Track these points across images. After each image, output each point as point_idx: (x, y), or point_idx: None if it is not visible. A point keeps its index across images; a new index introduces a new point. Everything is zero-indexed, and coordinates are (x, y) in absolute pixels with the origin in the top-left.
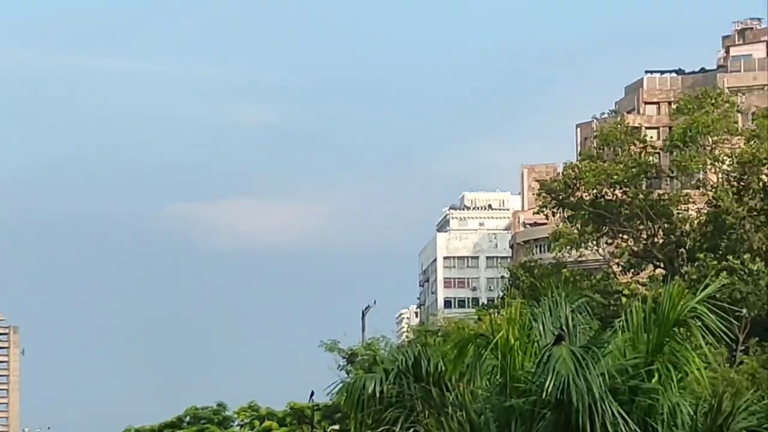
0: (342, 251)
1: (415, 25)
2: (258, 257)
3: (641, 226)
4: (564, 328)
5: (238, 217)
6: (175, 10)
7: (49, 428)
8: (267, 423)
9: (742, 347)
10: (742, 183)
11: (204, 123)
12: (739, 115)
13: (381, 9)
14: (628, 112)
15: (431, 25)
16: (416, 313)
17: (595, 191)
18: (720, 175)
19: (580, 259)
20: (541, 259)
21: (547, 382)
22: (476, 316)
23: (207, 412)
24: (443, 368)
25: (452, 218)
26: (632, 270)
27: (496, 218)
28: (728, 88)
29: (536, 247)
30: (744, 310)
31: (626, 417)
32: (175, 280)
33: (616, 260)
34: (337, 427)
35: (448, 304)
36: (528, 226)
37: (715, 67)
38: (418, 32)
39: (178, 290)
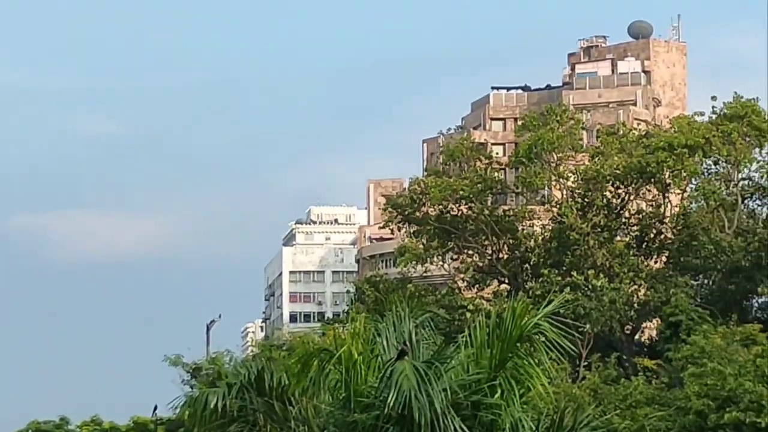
0: (188, 264)
1: (266, 37)
2: (100, 270)
3: (486, 242)
4: (407, 343)
5: (80, 229)
6: (7, 16)
7: None
8: None
9: (585, 363)
10: (586, 199)
11: (47, 132)
12: (583, 132)
13: (231, 18)
14: (475, 128)
15: (281, 37)
16: (262, 327)
17: (440, 206)
18: (564, 192)
19: (425, 274)
20: (386, 273)
21: (390, 397)
22: (321, 331)
23: (50, 425)
24: (287, 382)
25: (298, 232)
26: (477, 285)
27: (343, 233)
28: (573, 105)
29: (382, 261)
30: (587, 326)
31: None
32: (18, 292)
33: (462, 275)
34: None
35: (293, 318)
36: (374, 240)
37: (560, 84)
38: (268, 44)
39: (21, 303)
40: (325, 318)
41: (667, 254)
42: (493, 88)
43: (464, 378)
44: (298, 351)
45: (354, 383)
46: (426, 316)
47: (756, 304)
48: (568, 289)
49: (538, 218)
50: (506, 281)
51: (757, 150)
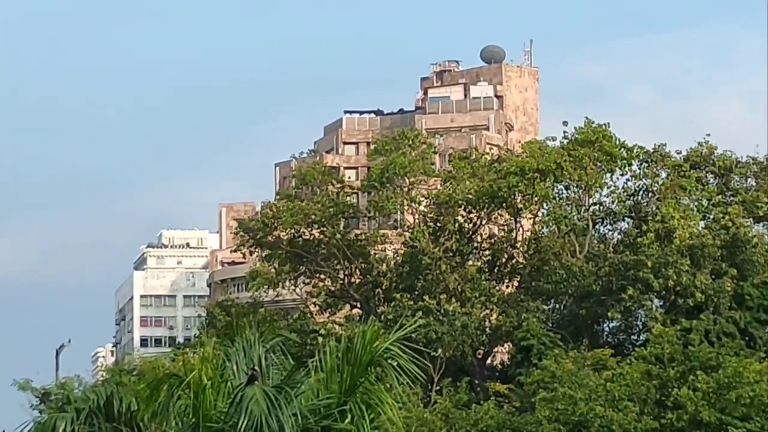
0: (38, 288)
1: (122, 58)
2: None
3: (338, 266)
4: (257, 367)
5: None
6: None
7: None
8: None
9: (437, 387)
10: (438, 224)
11: None
12: (436, 156)
13: (85, 37)
14: (327, 152)
15: (137, 59)
16: (112, 351)
17: (292, 231)
18: (417, 216)
19: (277, 298)
20: (238, 298)
21: (240, 422)
22: (172, 356)
23: None
24: (136, 408)
25: (149, 256)
26: (329, 309)
27: (194, 257)
28: (426, 129)
29: (234, 286)
30: (439, 351)
31: None
32: None
33: (314, 300)
34: None
35: (144, 342)
36: (226, 264)
37: (413, 108)
38: (123, 66)
39: None
40: (176, 342)
41: (518, 279)
42: (346, 111)
43: (314, 403)
44: (147, 376)
45: (203, 408)
46: (277, 341)
47: (607, 329)
48: (420, 313)
49: (390, 243)
50: (358, 305)
51: (608, 175)
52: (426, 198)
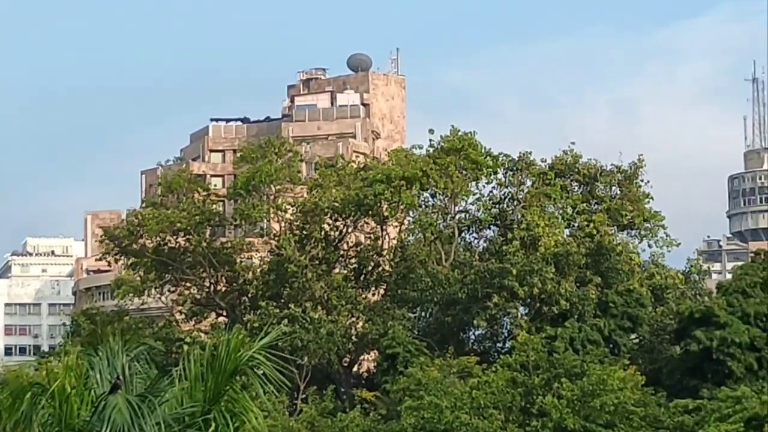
0: None
1: None
2: None
3: (204, 274)
4: (121, 376)
5: None
6: None
7: None
8: None
9: (303, 395)
10: (304, 232)
11: None
12: (302, 164)
13: None
14: (194, 160)
15: (4, 66)
16: None
17: (158, 238)
18: (283, 224)
19: (143, 306)
20: (103, 306)
21: (103, 431)
22: (35, 364)
23: None
24: None
25: (14, 264)
26: (195, 318)
27: (60, 265)
28: (292, 137)
29: (99, 294)
30: (305, 359)
31: None
32: None
33: (179, 308)
34: None
35: (9, 351)
36: (91, 272)
37: (280, 116)
38: None
39: None
40: (41, 351)
41: (384, 286)
42: (212, 119)
43: (178, 411)
44: (10, 385)
45: (67, 417)
46: (141, 349)
47: (472, 337)
48: (285, 321)
49: (257, 250)
50: (224, 313)
51: (473, 183)
52: (292, 206)
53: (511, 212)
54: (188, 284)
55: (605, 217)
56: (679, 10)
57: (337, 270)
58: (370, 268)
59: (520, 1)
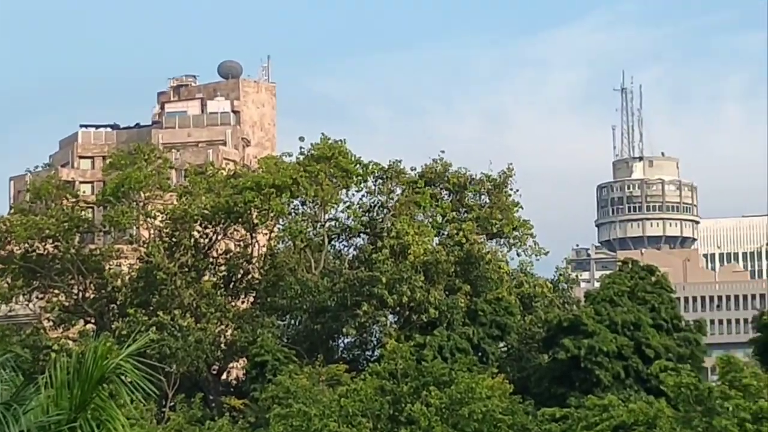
0: None
1: None
2: None
3: (72, 281)
4: None
5: None
6: None
7: None
8: None
9: (171, 403)
10: (173, 239)
11: None
12: (172, 171)
13: None
14: (63, 166)
15: None
16: None
17: (26, 245)
18: (152, 231)
19: (10, 313)
20: None
21: None
22: None
23: None
24: None
25: None
26: (63, 325)
27: None
28: (162, 144)
29: None
30: (173, 366)
31: None
32: None
33: (47, 315)
34: None
35: None
36: None
37: (150, 123)
38: None
39: None
40: None
41: (254, 294)
42: (81, 125)
43: (44, 420)
44: None
45: None
46: (7, 357)
47: (342, 345)
48: (154, 328)
49: (126, 258)
50: (93, 321)
51: (343, 191)
52: (162, 213)
53: (380, 220)
54: (56, 291)
55: (474, 226)
56: (547, 20)
57: (206, 277)
58: (239, 275)
59: (388, 10)
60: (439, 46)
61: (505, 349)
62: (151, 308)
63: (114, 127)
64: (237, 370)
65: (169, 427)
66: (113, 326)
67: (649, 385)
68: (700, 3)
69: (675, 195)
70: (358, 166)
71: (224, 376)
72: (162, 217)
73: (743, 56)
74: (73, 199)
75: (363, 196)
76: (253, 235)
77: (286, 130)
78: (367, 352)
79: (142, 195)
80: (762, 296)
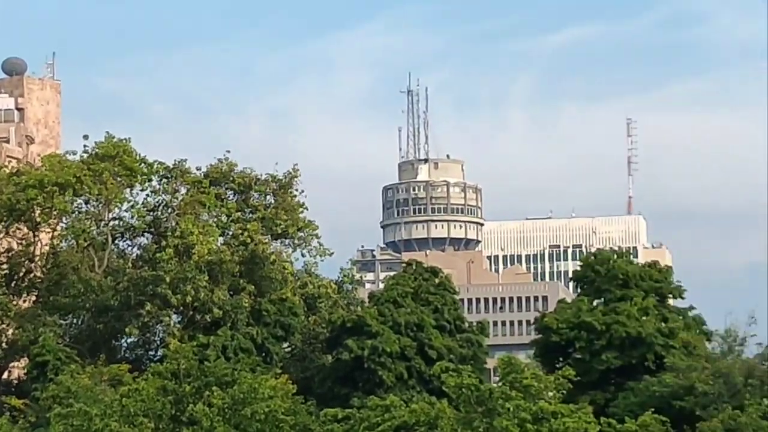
0: None
1: None
2: None
3: None
4: None
5: None
6: None
7: None
8: None
9: None
10: None
11: None
12: None
13: None
14: None
15: None
16: None
17: None
18: None
19: None
20: None
21: None
22: None
23: None
24: None
25: None
26: None
27: None
28: None
29: None
30: None
31: None
32: None
33: None
34: None
35: None
36: None
37: None
38: None
39: None
40: None
41: (36, 293)
42: None
43: None
44: None
45: None
46: None
47: (125, 344)
48: None
49: None
50: None
51: (128, 190)
52: None
53: (165, 220)
54: None
55: (259, 226)
56: (334, 21)
57: None
58: (21, 274)
59: (175, 9)
60: (227, 45)
61: (289, 349)
62: None
63: None
64: (18, 369)
65: None
66: None
67: (432, 385)
68: (487, 7)
69: (460, 197)
70: (142, 164)
71: (5, 376)
72: None
73: (527, 60)
74: None
75: (147, 195)
76: (36, 233)
77: (71, 129)
78: (150, 352)
79: None
80: (544, 298)
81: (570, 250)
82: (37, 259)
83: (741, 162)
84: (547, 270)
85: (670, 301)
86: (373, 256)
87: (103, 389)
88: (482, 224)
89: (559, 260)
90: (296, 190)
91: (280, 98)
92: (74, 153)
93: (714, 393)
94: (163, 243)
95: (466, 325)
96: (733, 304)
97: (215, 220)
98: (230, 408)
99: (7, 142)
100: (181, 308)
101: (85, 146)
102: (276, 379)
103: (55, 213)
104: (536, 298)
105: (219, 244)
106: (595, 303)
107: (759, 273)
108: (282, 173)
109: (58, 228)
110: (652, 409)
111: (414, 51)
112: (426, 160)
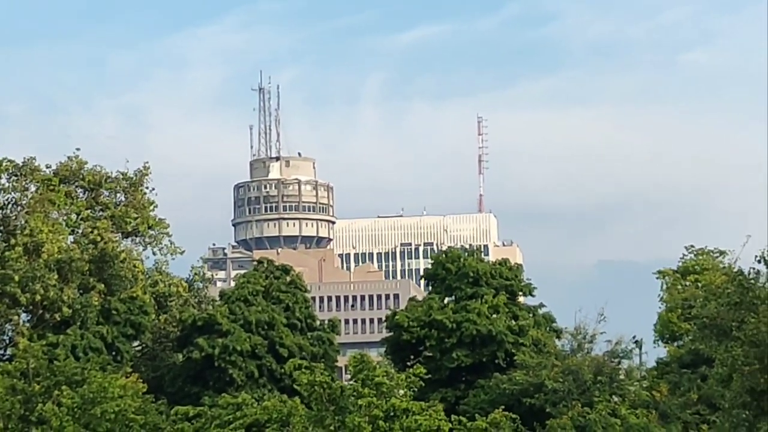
0: None
1: None
2: None
3: None
4: None
5: None
6: None
7: None
8: None
9: None
10: None
11: None
12: None
13: None
14: None
15: None
16: None
17: None
18: None
19: None
20: None
21: None
22: None
23: None
24: None
25: None
26: None
27: None
28: None
29: None
30: None
31: None
32: None
33: None
34: None
35: None
36: None
37: None
38: None
39: None
40: None
41: None
42: None
43: None
44: None
45: None
46: None
47: None
48: None
49: None
50: None
51: None
52: None
53: (14, 218)
54: None
55: (109, 224)
56: (187, 18)
57: None
58: None
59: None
60: (79, 42)
61: (140, 348)
62: None
63: None
64: None
65: None
66: None
67: (283, 384)
68: (339, 5)
69: (311, 195)
70: None
71: None
72: None
73: (379, 59)
74: None
75: None
76: None
77: None
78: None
79: None
80: (396, 296)
81: (421, 248)
82: None
83: (591, 161)
84: (399, 268)
85: (521, 299)
86: (225, 254)
87: None
88: (334, 222)
89: (411, 258)
90: (147, 187)
91: (132, 95)
92: None
93: (563, 390)
94: (12, 241)
95: (318, 323)
96: (582, 301)
97: (65, 218)
98: (80, 407)
99: None
100: (31, 307)
101: None
102: (126, 378)
103: None
104: (387, 296)
105: (69, 243)
106: (445, 301)
107: (608, 271)
108: (133, 171)
109: None
110: (503, 407)
111: (266, 48)
112: (278, 158)
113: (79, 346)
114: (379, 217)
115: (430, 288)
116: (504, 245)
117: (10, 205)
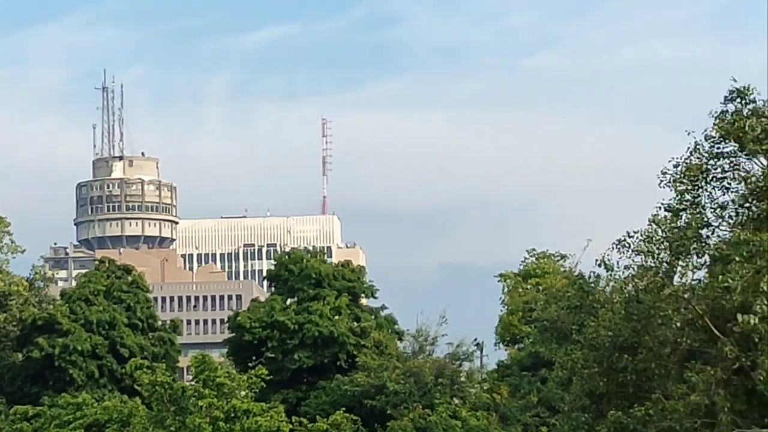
0: None
1: None
2: None
3: None
4: None
5: None
6: None
7: None
8: None
9: None
10: None
11: None
12: None
13: None
14: None
15: None
16: None
17: None
18: None
19: None
20: None
21: None
22: None
23: None
24: None
25: None
26: None
27: None
28: None
29: None
30: None
31: None
32: None
33: None
34: None
35: None
36: None
37: None
38: None
39: None
40: None
41: None
42: None
43: None
44: None
45: None
46: None
47: None
48: None
49: None
50: None
51: None
52: None
53: None
54: None
55: None
56: (29, 16)
57: None
58: None
59: None
60: None
61: None
62: None
63: None
64: None
65: None
66: None
67: (124, 384)
68: (184, 5)
69: (154, 195)
70: None
71: None
72: None
73: (224, 59)
74: None
75: None
76: None
77: None
78: None
79: None
80: (238, 297)
81: (264, 249)
82: None
83: (434, 164)
84: (242, 269)
85: (363, 301)
86: (66, 253)
87: None
88: (177, 222)
89: (254, 259)
90: None
91: None
92: None
93: (405, 392)
94: None
95: (159, 323)
96: (424, 304)
97: None
98: None
99: None
100: None
101: None
102: None
103: None
104: (230, 297)
105: None
106: (288, 302)
107: (450, 273)
108: None
109: None
110: (344, 408)
111: (110, 47)
112: (121, 158)
113: None
114: (222, 217)
115: (273, 289)
116: (347, 247)
117: None
